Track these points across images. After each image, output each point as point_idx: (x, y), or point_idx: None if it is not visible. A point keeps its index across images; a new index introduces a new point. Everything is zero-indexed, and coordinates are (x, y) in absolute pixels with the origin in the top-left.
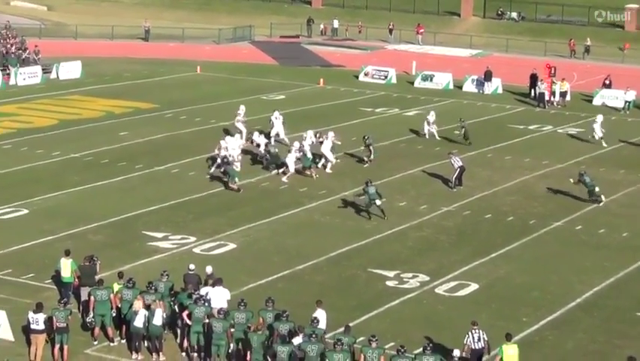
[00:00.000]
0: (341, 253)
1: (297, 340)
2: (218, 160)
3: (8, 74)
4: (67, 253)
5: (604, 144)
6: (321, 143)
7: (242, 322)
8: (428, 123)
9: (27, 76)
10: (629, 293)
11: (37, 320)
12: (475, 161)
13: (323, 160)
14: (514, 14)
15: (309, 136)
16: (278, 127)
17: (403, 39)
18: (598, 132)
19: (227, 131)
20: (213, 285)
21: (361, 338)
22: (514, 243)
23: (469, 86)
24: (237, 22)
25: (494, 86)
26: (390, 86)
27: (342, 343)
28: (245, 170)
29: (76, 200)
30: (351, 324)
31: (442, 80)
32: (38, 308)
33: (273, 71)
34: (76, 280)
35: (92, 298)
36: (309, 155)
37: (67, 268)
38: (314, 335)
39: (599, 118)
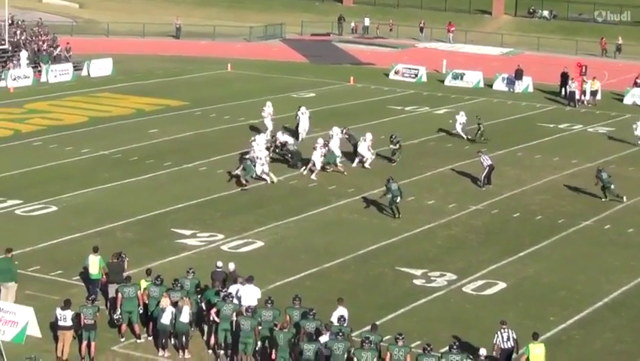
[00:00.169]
0: (369, 251)
1: (324, 338)
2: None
3: (40, 71)
4: (95, 250)
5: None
6: (355, 145)
7: (269, 320)
8: (460, 124)
9: (58, 73)
10: None
11: (65, 317)
12: (504, 160)
13: (358, 159)
14: (545, 12)
15: (335, 133)
16: (304, 123)
17: (433, 37)
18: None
19: (257, 130)
20: (243, 283)
21: (388, 337)
22: (543, 242)
23: (500, 85)
24: (268, 19)
25: (525, 84)
26: (421, 85)
27: (370, 341)
28: (273, 168)
29: (105, 197)
30: (378, 322)
31: (473, 78)
32: (66, 305)
33: (303, 69)
34: (104, 277)
35: (120, 295)
36: (337, 152)
37: (95, 265)
38: (340, 334)
39: None
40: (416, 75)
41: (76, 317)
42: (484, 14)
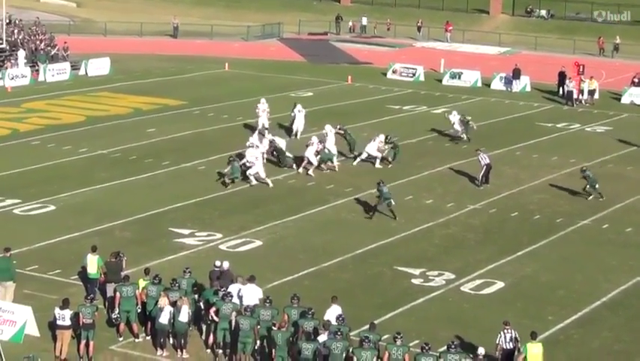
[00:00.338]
0: (367, 251)
1: (322, 337)
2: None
3: (37, 71)
4: (93, 250)
5: None
6: (351, 142)
7: (267, 319)
8: (461, 123)
9: (56, 72)
10: None
11: (64, 316)
12: (502, 159)
13: (364, 156)
14: (543, 12)
15: (329, 130)
16: (299, 120)
17: (431, 36)
18: None
19: (253, 129)
20: (244, 283)
21: (386, 336)
22: (541, 241)
23: (497, 84)
24: (266, 19)
25: (522, 83)
26: (418, 84)
27: (369, 340)
28: (270, 168)
29: (104, 196)
30: (376, 322)
31: (471, 77)
32: (65, 304)
33: (301, 68)
34: (102, 276)
35: (118, 294)
36: (334, 150)
37: (93, 265)
38: (339, 333)
39: None
40: (414, 74)
41: (75, 317)
42: (481, 13)
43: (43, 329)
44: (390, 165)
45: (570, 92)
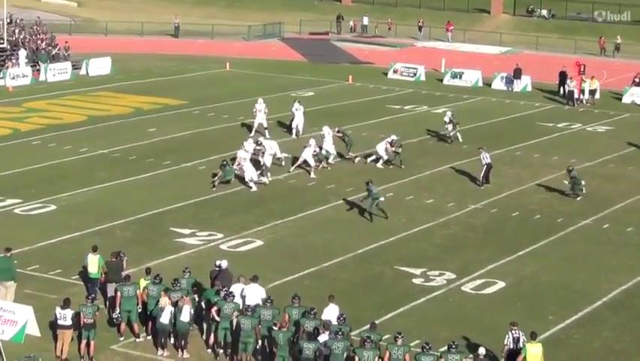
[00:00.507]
0: (368, 251)
1: (323, 337)
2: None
3: (38, 70)
4: (94, 249)
5: None
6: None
7: (268, 319)
8: (452, 125)
9: (57, 72)
10: None
11: (65, 316)
12: (503, 158)
13: (374, 156)
14: (544, 12)
15: (327, 132)
16: (298, 118)
17: (432, 36)
18: None
19: (250, 128)
20: (247, 282)
21: (387, 336)
22: (541, 241)
23: (498, 84)
24: (267, 19)
25: (523, 83)
26: (419, 84)
27: (371, 340)
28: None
29: (104, 196)
30: (377, 321)
31: (471, 77)
32: (66, 304)
33: (302, 68)
34: (103, 276)
35: (119, 294)
36: (332, 150)
37: (94, 264)
38: (340, 333)
39: None
40: (415, 74)
41: (76, 316)
42: (482, 13)
43: (44, 328)
44: (391, 166)
45: (571, 92)
